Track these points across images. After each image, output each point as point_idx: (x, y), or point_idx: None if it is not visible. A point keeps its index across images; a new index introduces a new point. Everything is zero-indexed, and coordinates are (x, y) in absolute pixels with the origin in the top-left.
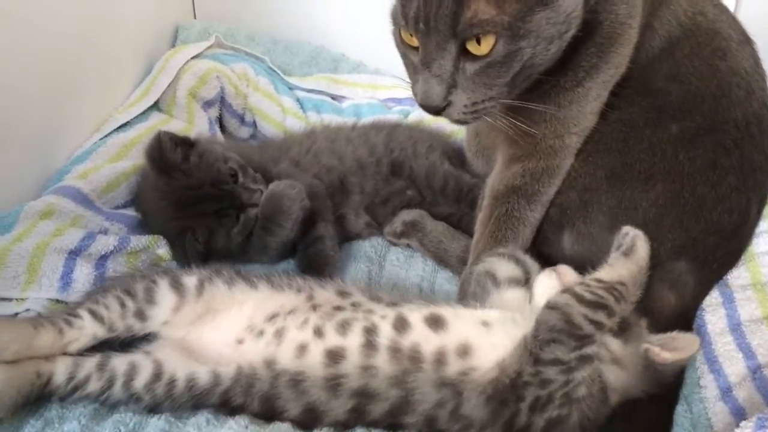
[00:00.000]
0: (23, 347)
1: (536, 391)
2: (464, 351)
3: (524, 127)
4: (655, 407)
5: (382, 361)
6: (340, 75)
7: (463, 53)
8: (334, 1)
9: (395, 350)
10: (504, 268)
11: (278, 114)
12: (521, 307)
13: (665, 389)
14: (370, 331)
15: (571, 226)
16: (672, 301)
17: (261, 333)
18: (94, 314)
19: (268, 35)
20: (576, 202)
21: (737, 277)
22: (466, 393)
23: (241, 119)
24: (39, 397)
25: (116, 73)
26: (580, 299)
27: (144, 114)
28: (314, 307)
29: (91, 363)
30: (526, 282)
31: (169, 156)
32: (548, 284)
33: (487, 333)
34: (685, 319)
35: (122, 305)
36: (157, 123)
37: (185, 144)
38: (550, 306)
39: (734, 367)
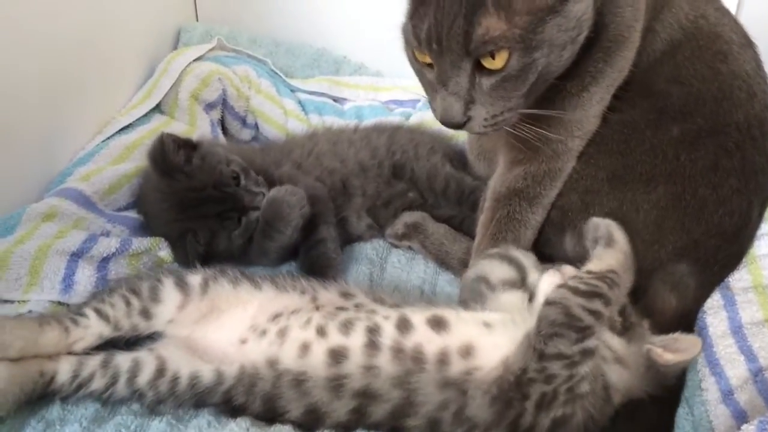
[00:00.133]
0: (29, 345)
1: (541, 387)
2: (467, 351)
3: (545, 133)
4: (656, 410)
5: (384, 361)
6: (341, 77)
7: (478, 68)
8: (336, 3)
9: (398, 350)
10: (496, 270)
11: (280, 116)
12: (521, 309)
13: (667, 391)
14: (373, 331)
15: (573, 228)
16: (673, 303)
17: (264, 332)
18: (99, 313)
19: (270, 38)
20: (577, 204)
21: (739, 279)
22: (471, 392)
23: (243, 121)
24: (42, 395)
25: (118, 75)
26: (576, 291)
27: (146, 116)
28: (317, 308)
29: (95, 361)
30: (522, 280)
31: (172, 158)
32: (553, 283)
33: (489, 333)
34: (687, 321)
35: (127, 304)
36: (159, 125)
37: (188, 146)
38: (549, 302)
39: (736, 369)
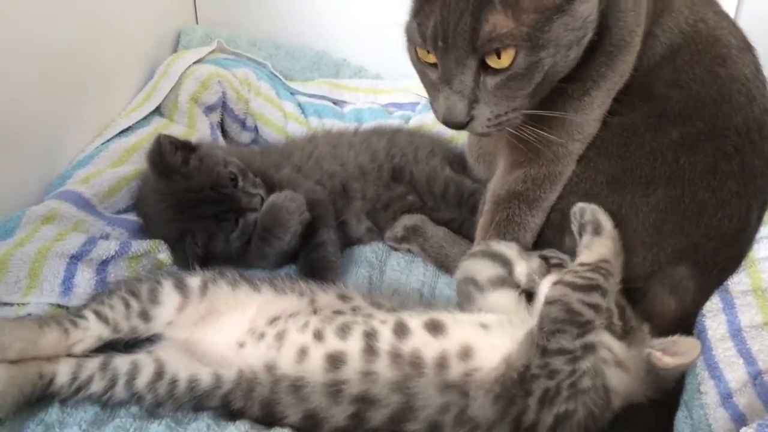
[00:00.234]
0: (28, 347)
1: (545, 382)
2: (465, 353)
3: (547, 135)
4: (655, 413)
5: (382, 366)
6: (341, 80)
7: (483, 67)
8: (335, 6)
9: (396, 355)
10: (482, 269)
11: (280, 119)
12: (517, 309)
13: (666, 395)
14: (370, 336)
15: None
16: (672, 306)
17: (262, 336)
18: (99, 315)
19: (269, 40)
20: None
21: (738, 282)
22: (473, 392)
23: (243, 124)
24: (41, 397)
25: (118, 78)
26: (574, 286)
27: (146, 119)
28: (315, 311)
29: (94, 363)
30: (509, 274)
31: (169, 159)
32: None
33: (486, 334)
34: (686, 324)
35: (127, 306)
36: (159, 128)
37: (186, 148)
38: (549, 301)
39: (735, 373)
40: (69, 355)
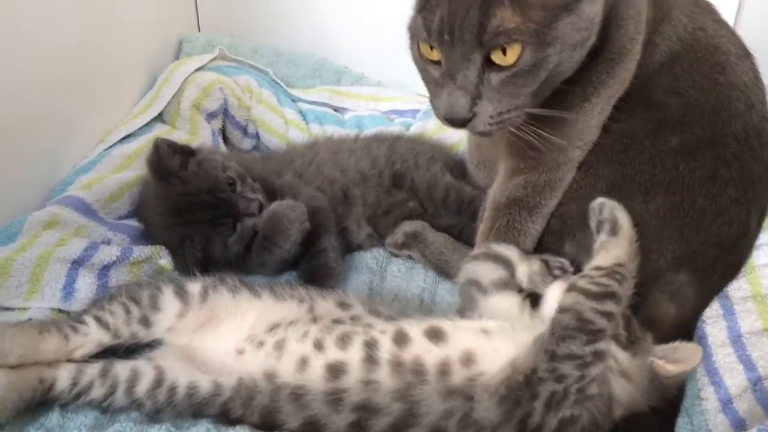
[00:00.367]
0: (28, 352)
1: (552, 386)
2: (468, 359)
3: (548, 135)
4: (656, 420)
5: (383, 375)
6: (342, 87)
7: (488, 64)
8: (337, 14)
9: (397, 364)
10: (485, 271)
11: (281, 126)
12: (520, 314)
13: (667, 402)
14: (371, 346)
15: (572, 237)
16: (672, 312)
17: (261, 344)
18: (99, 320)
19: (271, 48)
20: (576, 213)
21: (737, 289)
22: (477, 396)
23: (244, 131)
24: (41, 402)
25: (120, 84)
26: (588, 294)
27: (148, 125)
28: (314, 319)
29: (94, 369)
30: (511, 276)
31: (167, 162)
32: (562, 289)
33: (488, 339)
34: (686, 331)
35: (127, 312)
36: (161, 134)
37: (185, 152)
38: (562, 310)
39: (735, 379)
40: (69, 360)
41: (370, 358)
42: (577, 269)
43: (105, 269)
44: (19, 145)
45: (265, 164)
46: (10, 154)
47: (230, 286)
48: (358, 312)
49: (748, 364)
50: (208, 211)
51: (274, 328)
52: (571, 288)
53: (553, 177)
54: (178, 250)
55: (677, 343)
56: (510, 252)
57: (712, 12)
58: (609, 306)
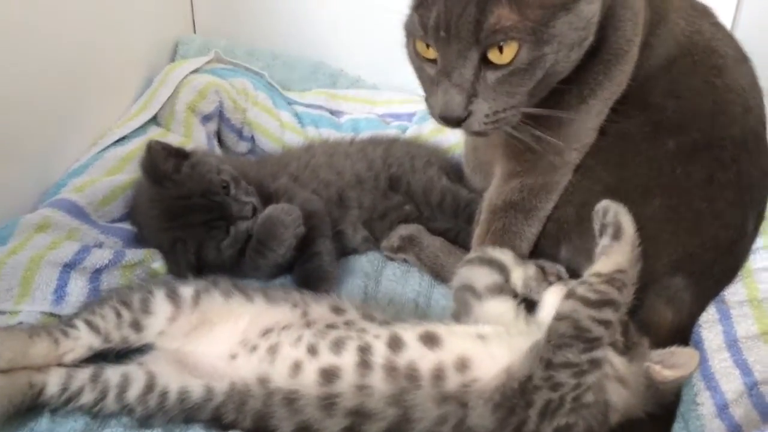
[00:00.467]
0: (18, 356)
1: (548, 394)
2: (463, 364)
3: (545, 135)
4: (652, 426)
5: (377, 379)
6: (338, 90)
7: (484, 62)
8: (333, 17)
9: (391, 369)
10: (480, 276)
11: (277, 129)
12: (513, 317)
13: (663, 407)
14: (364, 350)
15: (568, 241)
16: (669, 317)
17: (254, 348)
18: (90, 324)
19: (267, 50)
20: (573, 217)
21: (734, 293)
22: (472, 402)
23: (240, 134)
24: (31, 407)
25: (115, 87)
26: (586, 302)
27: (142, 128)
28: (308, 324)
29: (84, 374)
30: (505, 280)
31: (160, 165)
32: (560, 294)
33: (483, 345)
34: (682, 335)
35: (118, 315)
36: (155, 137)
37: (179, 155)
38: (559, 317)
39: (731, 383)
40: (60, 365)
41: (364, 363)
42: (573, 273)
43: (97, 273)
44: (12, 147)
45: (261, 167)
46: (3, 156)
47: (223, 289)
48: (352, 317)
49: (745, 368)
50: (202, 215)
51: (267, 332)
52: (569, 295)
53: (549, 180)
54: (170, 253)
55: (674, 348)
56: (504, 256)
57: (709, 15)
58: (607, 314)
